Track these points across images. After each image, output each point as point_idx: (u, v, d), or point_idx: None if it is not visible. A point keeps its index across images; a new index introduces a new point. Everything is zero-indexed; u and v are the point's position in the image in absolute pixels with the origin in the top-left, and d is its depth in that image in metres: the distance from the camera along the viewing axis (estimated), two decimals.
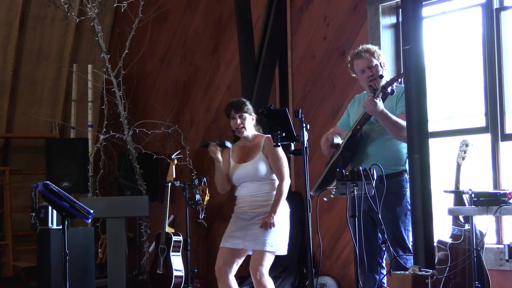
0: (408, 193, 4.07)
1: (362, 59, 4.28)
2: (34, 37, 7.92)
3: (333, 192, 3.88)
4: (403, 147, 4.12)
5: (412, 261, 3.99)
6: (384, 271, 4.20)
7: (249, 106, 4.73)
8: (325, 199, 4.02)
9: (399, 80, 4.11)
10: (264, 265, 4.51)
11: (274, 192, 4.59)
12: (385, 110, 4.05)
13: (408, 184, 4.07)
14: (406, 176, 4.11)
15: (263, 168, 4.60)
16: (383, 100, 4.09)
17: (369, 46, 4.36)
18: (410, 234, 4.06)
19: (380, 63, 4.25)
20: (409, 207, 4.06)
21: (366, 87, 4.25)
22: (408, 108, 4.02)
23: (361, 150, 4.19)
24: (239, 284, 5.09)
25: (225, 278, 4.60)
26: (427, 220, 3.96)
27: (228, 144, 4.77)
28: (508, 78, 4.99)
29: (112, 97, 7.20)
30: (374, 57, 4.25)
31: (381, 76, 4.20)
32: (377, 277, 4.16)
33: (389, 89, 4.02)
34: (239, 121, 4.67)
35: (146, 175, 7.17)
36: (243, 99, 4.84)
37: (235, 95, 6.77)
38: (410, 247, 4.04)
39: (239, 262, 4.66)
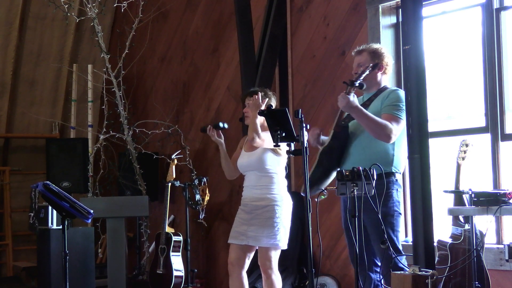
0: (395, 195, 4.04)
1: (359, 56, 4.28)
2: (34, 37, 7.92)
3: (324, 193, 3.88)
4: (391, 148, 4.08)
5: (403, 261, 3.98)
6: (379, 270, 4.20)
7: (261, 95, 4.73)
8: (316, 200, 4.00)
9: (367, 72, 4.03)
10: (272, 261, 4.57)
11: (273, 186, 4.61)
12: (360, 107, 4.01)
13: (395, 186, 4.06)
14: (394, 178, 4.07)
15: (266, 159, 4.60)
16: (375, 100, 4.08)
17: (376, 46, 4.35)
18: (400, 234, 4.07)
19: (377, 65, 4.21)
20: (396, 209, 4.05)
21: None
22: (408, 108, 4.02)
23: (346, 149, 4.18)
24: None
25: (237, 273, 4.65)
26: (427, 220, 3.97)
27: (223, 124, 4.82)
28: (508, 78, 4.99)
29: (112, 97, 7.20)
30: (373, 57, 4.23)
31: (359, 75, 4.10)
32: (373, 275, 4.16)
33: (356, 83, 3.97)
34: (245, 108, 4.77)
35: (146, 175, 7.17)
36: (262, 89, 4.87)
37: (235, 95, 6.79)
38: (400, 247, 4.02)
39: (250, 256, 4.69)
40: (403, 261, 4.00)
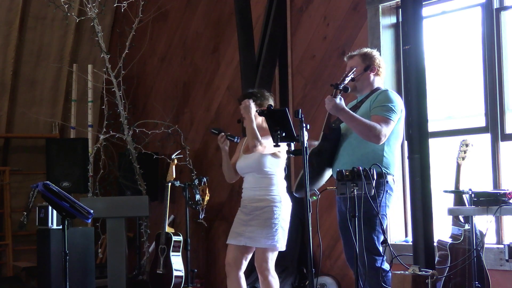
0: (381, 196, 3.95)
1: (351, 60, 4.28)
2: (34, 37, 7.92)
3: (316, 194, 3.89)
4: (381, 149, 4.03)
5: (380, 262, 3.97)
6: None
7: (259, 97, 4.72)
8: (309, 199, 3.98)
9: (351, 75, 4.00)
10: (269, 262, 4.56)
11: (273, 187, 4.60)
12: (347, 109, 3.98)
13: (384, 187, 3.94)
14: (383, 180, 3.93)
15: (265, 160, 4.59)
16: (365, 102, 4.08)
17: (366, 49, 4.33)
18: (382, 235, 4.03)
19: (369, 67, 4.20)
20: (382, 210, 3.98)
21: None
22: (408, 108, 4.02)
23: (337, 150, 4.17)
24: None
25: (235, 274, 4.63)
26: (427, 220, 3.97)
27: (236, 139, 4.79)
28: (508, 78, 4.99)
29: (112, 97, 7.20)
30: (364, 60, 4.22)
31: (343, 78, 4.05)
32: None
33: (341, 86, 3.93)
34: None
35: (146, 175, 7.17)
36: (259, 90, 4.86)
37: (235, 95, 6.78)
38: (380, 248, 3.97)
39: (247, 257, 4.67)
40: (382, 262, 3.98)
